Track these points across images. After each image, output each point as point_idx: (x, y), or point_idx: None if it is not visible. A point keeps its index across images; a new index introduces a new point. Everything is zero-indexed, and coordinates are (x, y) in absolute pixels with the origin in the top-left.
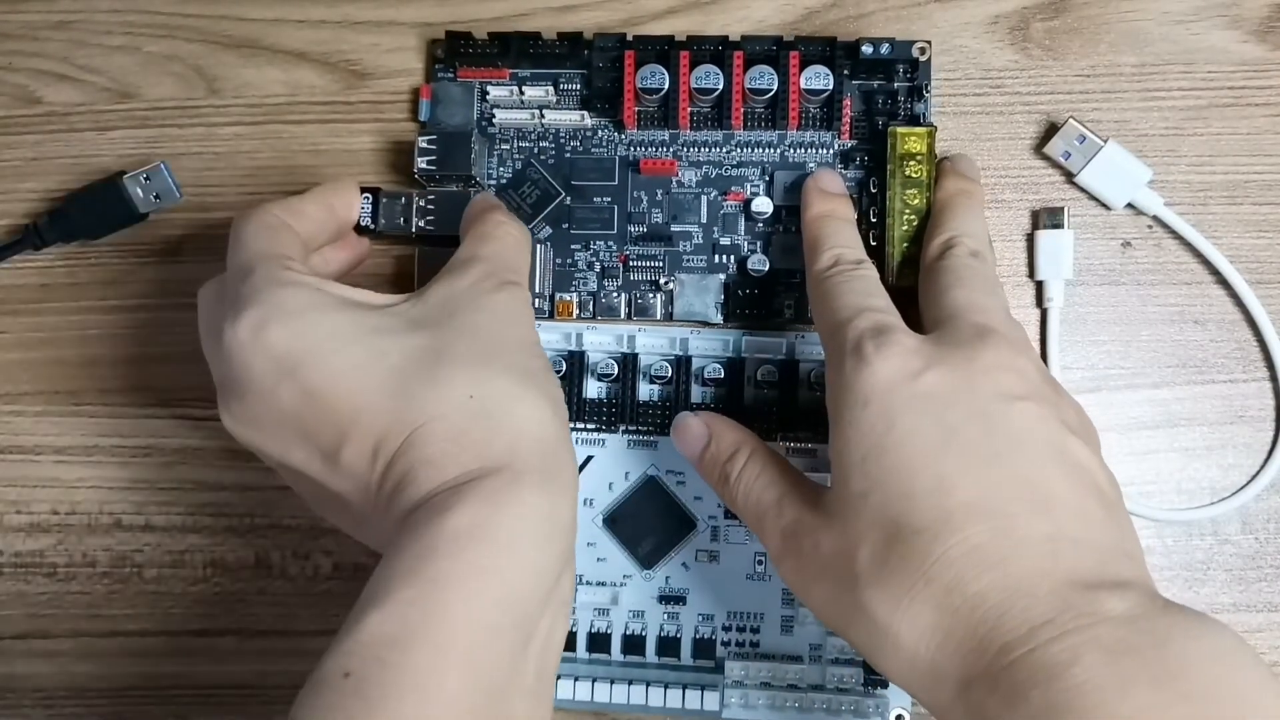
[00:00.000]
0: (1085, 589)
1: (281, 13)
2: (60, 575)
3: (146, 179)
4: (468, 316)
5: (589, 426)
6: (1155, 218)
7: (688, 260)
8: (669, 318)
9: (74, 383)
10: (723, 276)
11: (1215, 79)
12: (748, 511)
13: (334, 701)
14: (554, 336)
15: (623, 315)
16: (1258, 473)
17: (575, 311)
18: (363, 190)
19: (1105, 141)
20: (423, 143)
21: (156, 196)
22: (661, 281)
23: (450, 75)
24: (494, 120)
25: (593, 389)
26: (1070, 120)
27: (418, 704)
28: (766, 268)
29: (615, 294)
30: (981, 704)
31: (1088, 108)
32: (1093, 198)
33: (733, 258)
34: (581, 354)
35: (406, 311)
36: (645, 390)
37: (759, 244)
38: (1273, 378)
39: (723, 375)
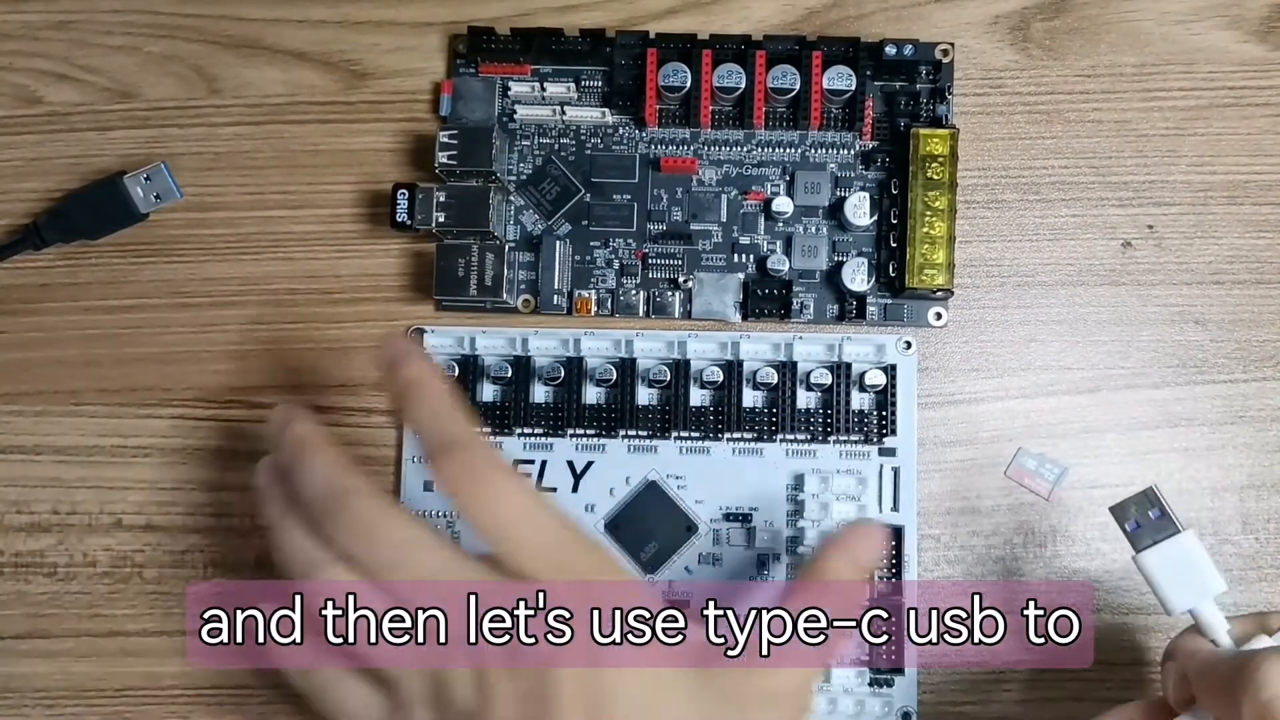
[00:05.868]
0: None
1: (281, 13)
2: (61, 575)
3: (147, 179)
4: None
5: (588, 432)
6: None
7: (707, 259)
8: (687, 316)
9: (74, 383)
10: (742, 276)
11: (1215, 79)
12: None
13: None
14: (551, 343)
15: (641, 313)
16: (1258, 473)
17: (593, 309)
18: (397, 186)
19: (1183, 529)
20: (444, 138)
21: (157, 196)
22: (680, 280)
23: (472, 71)
24: (515, 116)
25: (591, 394)
26: (1153, 488)
27: None
28: (786, 267)
29: (634, 291)
30: None
31: (1088, 108)
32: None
33: (752, 257)
34: (580, 359)
35: None
36: (644, 394)
37: (779, 244)
38: None
39: (721, 379)
